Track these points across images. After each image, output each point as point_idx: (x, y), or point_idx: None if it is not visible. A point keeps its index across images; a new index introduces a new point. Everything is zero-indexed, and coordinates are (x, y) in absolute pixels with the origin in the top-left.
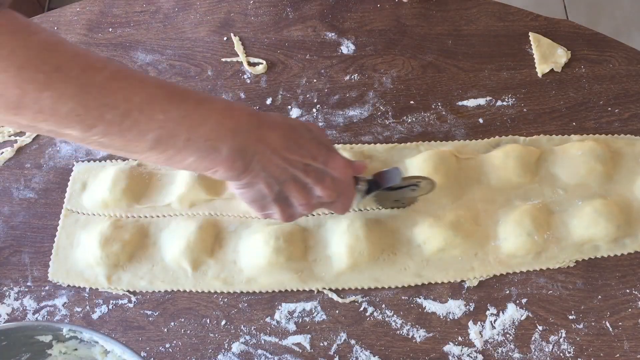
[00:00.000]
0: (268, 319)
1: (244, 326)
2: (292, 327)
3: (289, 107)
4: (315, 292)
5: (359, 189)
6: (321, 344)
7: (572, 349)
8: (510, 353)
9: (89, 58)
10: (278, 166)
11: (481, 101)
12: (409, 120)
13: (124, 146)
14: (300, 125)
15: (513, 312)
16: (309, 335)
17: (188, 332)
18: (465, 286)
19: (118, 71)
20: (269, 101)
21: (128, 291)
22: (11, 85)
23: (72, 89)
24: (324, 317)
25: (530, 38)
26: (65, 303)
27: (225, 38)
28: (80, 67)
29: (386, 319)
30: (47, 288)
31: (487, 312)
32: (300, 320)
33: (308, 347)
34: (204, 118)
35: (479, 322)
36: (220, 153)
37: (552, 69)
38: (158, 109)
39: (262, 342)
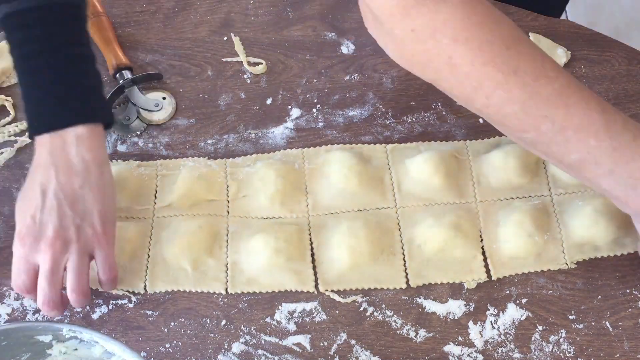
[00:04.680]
0: (268, 319)
1: (244, 326)
2: (292, 327)
3: (289, 107)
4: (316, 292)
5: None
6: (321, 344)
7: (572, 349)
8: (510, 353)
9: (544, 64)
10: None
11: None
12: (409, 120)
13: (544, 153)
14: None
15: (513, 312)
16: (309, 335)
17: (188, 332)
18: (465, 286)
19: (567, 85)
20: (269, 101)
21: (128, 291)
22: (472, 78)
23: (522, 94)
24: (324, 317)
25: (530, 38)
26: None
27: (225, 38)
28: (534, 74)
29: (386, 319)
30: None
31: (487, 312)
32: (300, 320)
33: (308, 347)
34: (634, 155)
35: (479, 322)
36: (637, 191)
37: None
38: (592, 136)
39: (262, 342)
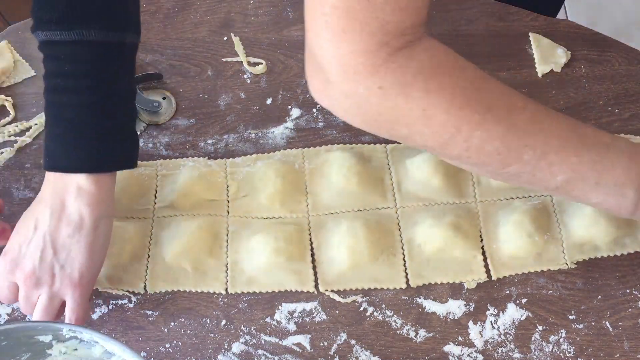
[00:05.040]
0: (268, 319)
1: (244, 326)
2: (292, 327)
3: (289, 107)
4: (316, 292)
5: None
6: (321, 344)
7: (572, 349)
8: (510, 353)
9: (512, 97)
10: None
11: None
12: None
13: (529, 182)
14: None
15: (513, 312)
16: (309, 335)
17: (188, 332)
18: (465, 286)
19: (537, 111)
20: (269, 101)
21: (128, 291)
22: (449, 125)
23: (500, 129)
24: (324, 317)
25: (530, 38)
26: None
27: (225, 38)
28: (506, 108)
29: (386, 319)
30: None
31: (487, 312)
32: (300, 320)
33: (308, 347)
34: (614, 162)
35: (479, 322)
36: (627, 197)
37: (552, 69)
38: (572, 153)
39: (262, 342)
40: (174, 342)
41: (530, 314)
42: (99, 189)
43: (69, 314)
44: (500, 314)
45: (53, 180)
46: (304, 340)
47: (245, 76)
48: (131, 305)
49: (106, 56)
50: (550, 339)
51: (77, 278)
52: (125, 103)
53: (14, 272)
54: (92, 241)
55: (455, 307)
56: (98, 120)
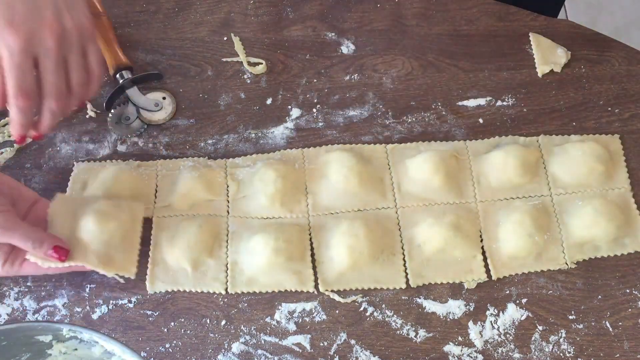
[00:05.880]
0: (268, 319)
1: (244, 326)
2: (292, 327)
3: (289, 107)
4: (316, 292)
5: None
6: (321, 344)
7: (572, 349)
8: (510, 353)
9: None
10: None
11: (481, 101)
12: (409, 120)
13: None
14: None
15: (513, 312)
16: (309, 335)
17: (188, 332)
18: (465, 286)
19: None
20: (269, 101)
21: (122, 278)
22: None
23: None
24: (324, 317)
25: (530, 38)
26: (65, 303)
27: (225, 38)
28: None
29: (386, 319)
30: (47, 288)
31: (487, 312)
32: (300, 320)
33: (308, 347)
34: None
35: (479, 322)
36: None
37: (552, 69)
38: None
39: (262, 342)
40: (174, 342)
41: (530, 314)
42: None
43: (96, 59)
44: (500, 314)
45: None
46: (303, 340)
47: (245, 76)
48: (131, 305)
49: None
50: (550, 339)
51: (88, 18)
52: None
53: (37, 33)
54: None
55: (455, 307)
56: None
